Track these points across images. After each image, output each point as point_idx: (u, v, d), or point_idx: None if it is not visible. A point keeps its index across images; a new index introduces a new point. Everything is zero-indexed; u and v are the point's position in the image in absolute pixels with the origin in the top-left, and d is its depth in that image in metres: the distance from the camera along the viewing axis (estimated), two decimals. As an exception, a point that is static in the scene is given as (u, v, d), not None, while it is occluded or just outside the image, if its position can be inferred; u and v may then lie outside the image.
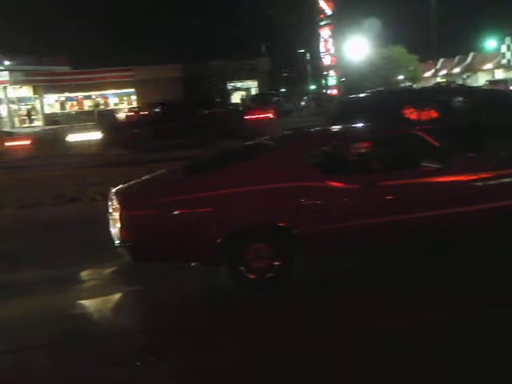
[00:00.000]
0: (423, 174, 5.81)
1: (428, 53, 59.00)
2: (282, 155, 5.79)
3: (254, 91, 57.71)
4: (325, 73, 47.03)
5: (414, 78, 59.27)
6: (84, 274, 6.55)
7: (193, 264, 5.53)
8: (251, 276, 5.37)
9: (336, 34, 44.76)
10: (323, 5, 45.90)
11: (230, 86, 58.48)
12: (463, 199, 5.74)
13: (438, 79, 62.57)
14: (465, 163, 5.93)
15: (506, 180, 5.89)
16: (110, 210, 5.86)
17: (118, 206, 5.31)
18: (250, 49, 59.55)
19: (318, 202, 5.49)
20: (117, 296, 5.94)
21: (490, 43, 63.51)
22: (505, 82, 45.52)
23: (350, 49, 48.74)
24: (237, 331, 4.73)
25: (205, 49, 59.06)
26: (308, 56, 60.89)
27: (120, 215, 5.20)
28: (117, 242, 5.40)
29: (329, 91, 44.57)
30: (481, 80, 55.73)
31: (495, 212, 5.78)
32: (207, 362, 4.21)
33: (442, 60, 66.39)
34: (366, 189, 5.52)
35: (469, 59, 65.00)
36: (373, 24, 47.48)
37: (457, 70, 65.90)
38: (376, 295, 5.22)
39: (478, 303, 4.88)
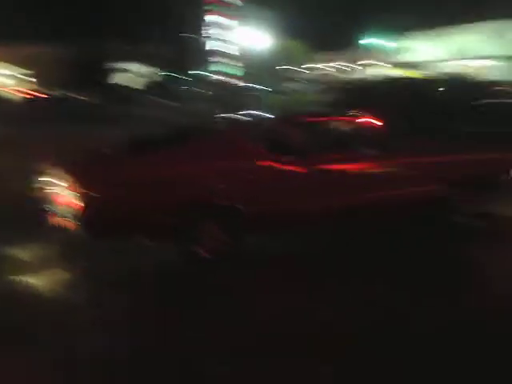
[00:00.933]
0: (363, 158, 6.25)
1: (321, 45, 60.82)
2: (231, 135, 6.02)
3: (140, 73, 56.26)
4: (211, 58, 46.66)
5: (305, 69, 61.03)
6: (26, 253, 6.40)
7: (147, 241, 5.61)
8: (201, 253, 5.58)
9: (235, 24, 44.96)
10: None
11: (114, 66, 56.87)
12: (398, 183, 6.24)
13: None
14: (402, 149, 6.44)
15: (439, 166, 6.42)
16: (56, 186, 5.78)
17: (73, 183, 5.30)
18: (137, 31, 58.26)
19: (264, 181, 5.77)
20: (63, 274, 5.90)
21: (375, 40, 66.42)
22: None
23: (250, 39, 49.25)
24: (191, 303, 4.94)
25: (90, 29, 56.77)
26: (195, 41, 60.50)
27: (79, 192, 5.20)
28: (70, 216, 5.38)
29: (226, 78, 44.63)
30: (367, 74, 58.25)
31: (426, 195, 6.33)
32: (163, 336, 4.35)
33: (331, 53, 68.64)
34: (309, 171, 5.84)
35: (356, 54, 67.66)
36: (271, 16, 48.45)
37: (346, 63, 68.31)
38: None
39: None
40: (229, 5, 44.15)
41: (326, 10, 60.56)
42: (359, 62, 65.38)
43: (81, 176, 5.41)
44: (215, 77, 44.21)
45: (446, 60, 55.86)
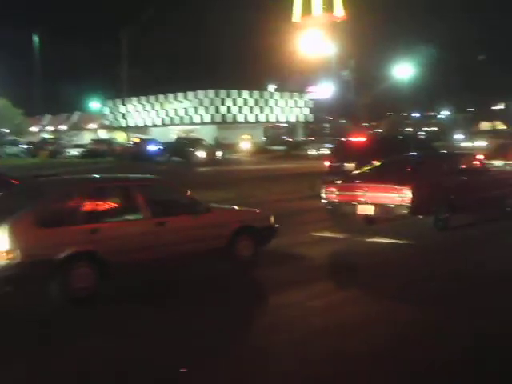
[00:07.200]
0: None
1: (34, 108, 59.16)
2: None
3: None
4: None
5: (19, 132, 58.70)
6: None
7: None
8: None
9: None
10: None
11: None
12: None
13: (46, 135, 63.21)
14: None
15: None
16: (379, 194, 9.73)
17: (401, 188, 9.38)
18: None
19: (452, 185, 10.41)
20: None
21: (94, 104, 67.05)
22: (108, 141, 48.49)
23: None
24: None
25: None
26: None
27: (410, 192, 9.32)
28: (402, 203, 9.36)
29: None
30: (86, 138, 58.33)
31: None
32: None
33: (49, 116, 67.35)
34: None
35: (75, 118, 67.44)
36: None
37: (64, 126, 67.55)
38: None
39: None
40: None
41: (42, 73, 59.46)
42: (82, 126, 65.08)
43: (416, 182, 9.58)
44: None
45: (163, 125, 58.97)
